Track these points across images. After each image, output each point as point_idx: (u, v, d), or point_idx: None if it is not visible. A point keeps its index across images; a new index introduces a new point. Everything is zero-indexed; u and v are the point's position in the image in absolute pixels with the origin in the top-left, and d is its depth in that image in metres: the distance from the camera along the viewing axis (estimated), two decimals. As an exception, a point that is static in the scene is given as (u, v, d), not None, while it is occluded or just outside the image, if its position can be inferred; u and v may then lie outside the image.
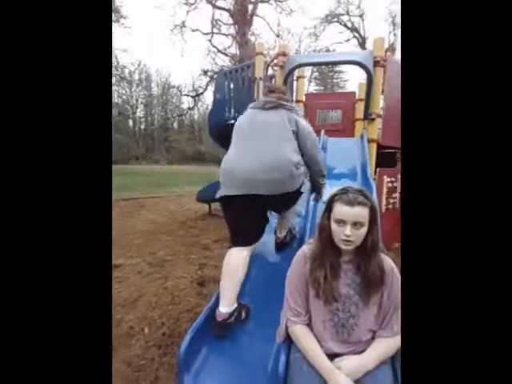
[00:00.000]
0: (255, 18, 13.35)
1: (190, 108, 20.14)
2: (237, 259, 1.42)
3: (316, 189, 1.78)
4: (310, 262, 1.05)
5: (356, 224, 0.96)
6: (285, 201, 1.53)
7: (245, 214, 1.43)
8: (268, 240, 1.83)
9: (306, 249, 1.11)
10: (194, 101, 17.65)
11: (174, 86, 27.56)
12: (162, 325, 1.91)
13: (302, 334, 1.02)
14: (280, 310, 1.12)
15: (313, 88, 23.21)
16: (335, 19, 16.52)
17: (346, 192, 1.01)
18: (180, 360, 1.19)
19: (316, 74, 22.95)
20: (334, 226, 1.00)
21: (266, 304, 1.46)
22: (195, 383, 1.16)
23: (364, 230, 0.97)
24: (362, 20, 16.51)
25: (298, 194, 1.52)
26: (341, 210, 0.98)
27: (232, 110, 4.00)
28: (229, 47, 14.55)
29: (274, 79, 3.60)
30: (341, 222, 0.98)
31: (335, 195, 1.03)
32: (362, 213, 0.96)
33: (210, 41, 14.37)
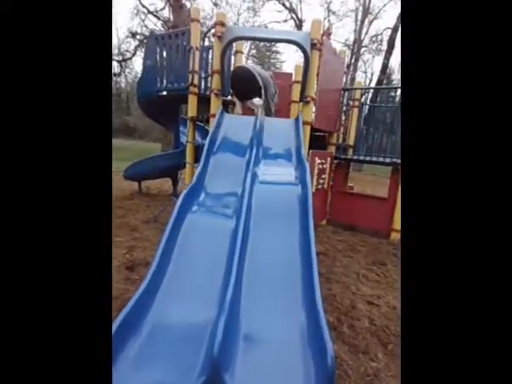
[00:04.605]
0: (191, -20, 12.34)
1: (115, 74, 17.93)
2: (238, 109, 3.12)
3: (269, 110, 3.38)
4: None
5: None
6: (252, 89, 3.08)
7: (240, 84, 3.10)
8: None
9: None
10: (121, 66, 15.79)
11: (95, 47, 24.03)
12: (83, 315, 1.72)
13: None
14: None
15: (250, 66, 22.84)
16: (274, -4, 16.33)
17: None
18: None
19: (254, 51, 22.62)
20: None
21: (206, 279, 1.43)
22: (127, 371, 1.09)
23: None
24: (300, 2, 16.69)
25: (258, 91, 3.11)
26: None
27: (164, 80, 3.67)
28: (161, 10, 13.25)
29: (210, 51, 3.39)
30: None
31: None
32: None
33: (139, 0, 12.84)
